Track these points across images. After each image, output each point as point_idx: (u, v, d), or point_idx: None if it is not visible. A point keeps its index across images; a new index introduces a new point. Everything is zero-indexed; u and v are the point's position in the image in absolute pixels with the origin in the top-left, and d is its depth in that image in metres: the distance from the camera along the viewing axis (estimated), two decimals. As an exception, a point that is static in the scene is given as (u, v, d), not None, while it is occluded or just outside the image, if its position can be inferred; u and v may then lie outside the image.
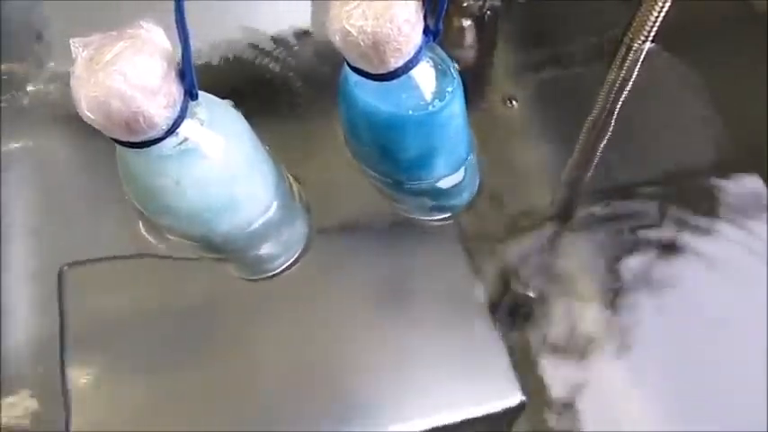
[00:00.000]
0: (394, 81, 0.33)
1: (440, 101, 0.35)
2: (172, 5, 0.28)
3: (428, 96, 0.35)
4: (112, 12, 0.49)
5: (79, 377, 0.39)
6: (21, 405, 0.39)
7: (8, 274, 0.42)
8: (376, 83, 0.33)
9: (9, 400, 0.39)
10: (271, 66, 0.50)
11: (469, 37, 0.51)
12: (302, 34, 0.51)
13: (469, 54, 0.50)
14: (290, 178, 0.44)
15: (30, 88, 0.49)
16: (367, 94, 0.35)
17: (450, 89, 0.35)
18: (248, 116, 0.37)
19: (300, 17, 0.52)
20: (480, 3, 0.50)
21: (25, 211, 0.44)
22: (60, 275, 0.42)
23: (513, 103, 0.48)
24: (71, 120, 0.47)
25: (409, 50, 0.32)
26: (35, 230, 0.44)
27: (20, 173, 0.46)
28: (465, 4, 0.50)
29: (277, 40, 0.51)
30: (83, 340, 0.41)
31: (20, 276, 0.42)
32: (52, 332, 0.40)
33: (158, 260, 0.43)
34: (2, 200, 0.45)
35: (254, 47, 0.51)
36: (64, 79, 0.49)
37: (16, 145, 0.47)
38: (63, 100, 0.48)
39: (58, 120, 0.48)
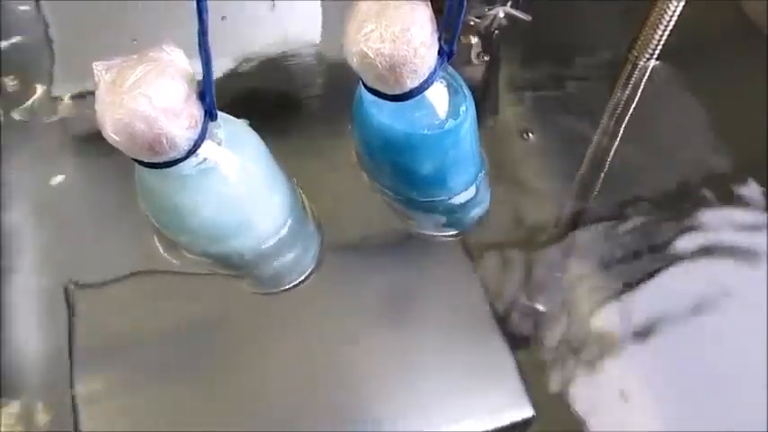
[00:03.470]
0: (409, 101, 0.33)
1: (454, 119, 0.35)
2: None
3: (442, 115, 0.35)
4: (117, 33, 0.50)
5: (88, 394, 0.39)
6: (28, 419, 0.39)
7: (17, 289, 0.42)
8: (391, 103, 0.33)
9: (15, 412, 0.39)
10: (283, 85, 0.50)
11: (476, 55, 0.51)
12: (314, 54, 0.52)
13: (477, 71, 0.51)
14: (303, 195, 0.44)
15: (42, 105, 0.50)
16: (382, 114, 0.35)
17: (463, 108, 0.36)
18: (262, 135, 0.38)
19: (312, 37, 0.53)
20: (488, 21, 0.50)
21: (34, 227, 0.44)
22: (68, 293, 0.42)
23: (521, 120, 0.49)
24: (82, 136, 0.47)
25: (425, 71, 0.32)
26: (44, 247, 0.44)
27: (30, 189, 0.46)
28: (472, 23, 0.50)
29: (290, 60, 0.52)
30: (92, 357, 0.40)
31: (28, 292, 0.42)
32: (61, 348, 0.40)
33: (168, 276, 0.43)
34: (12, 216, 0.45)
35: (268, 66, 0.51)
36: (76, 96, 0.49)
37: (26, 161, 0.47)
38: (75, 116, 0.49)
39: (68, 136, 0.48)
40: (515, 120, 0.49)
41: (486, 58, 0.47)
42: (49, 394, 0.39)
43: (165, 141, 0.29)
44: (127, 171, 0.35)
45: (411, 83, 0.32)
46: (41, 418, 0.38)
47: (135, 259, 0.43)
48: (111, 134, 0.29)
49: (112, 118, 0.29)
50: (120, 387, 0.40)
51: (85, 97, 0.49)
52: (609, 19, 0.52)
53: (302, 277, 0.42)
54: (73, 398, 0.39)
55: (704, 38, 0.51)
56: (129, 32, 0.49)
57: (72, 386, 0.39)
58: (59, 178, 0.46)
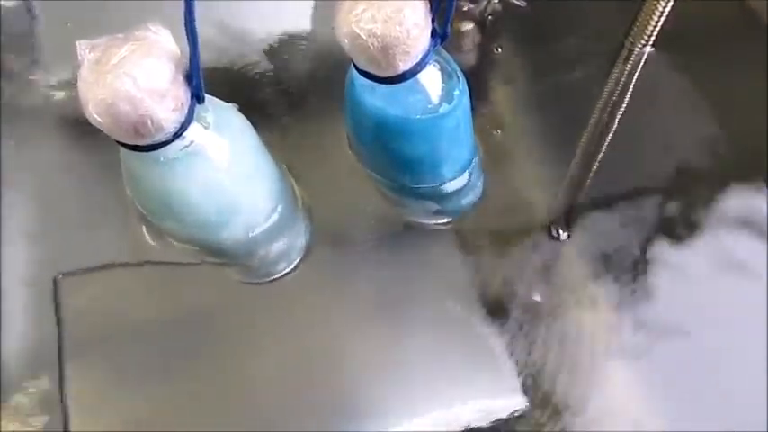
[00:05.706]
0: (402, 84, 0.33)
1: (447, 104, 0.35)
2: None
3: (436, 99, 0.35)
4: (112, 17, 0.49)
5: (77, 385, 0.39)
6: (19, 412, 0.38)
7: (6, 280, 0.42)
8: (383, 86, 0.33)
9: (7, 408, 0.38)
10: (274, 69, 0.50)
11: (470, 41, 0.51)
12: (305, 37, 0.51)
13: (470, 58, 0.50)
14: (293, 182, 0.43)
15: (29, 93, 0.49)
16: (374, 98, 0.35)
17: (457, 92, 0.35)
18: (251, 119, 0.37)
19: (303, 19, 0.52)
20: (481, 7, 0.50)
21: (23, 217, 0.44)
22: (55, 283, 0.41)
23: (516, 106, 0.49)
24: (70, 126, 0.47)
25: (417, 53, 0.32)
26: (33, 237, 0.43)
27: (18, 179, 0.45)
28: (465, 9, 0.50)
29: (280, 43, 0.51)
30: (81, 348, 0.40)
31: (18, 283, 0.42)
32: (51, 340, 0.40)
33: (157, 266, 0.42)
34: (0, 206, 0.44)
35: (257, 49, 0.50)
36: (64, 84, 0.49)
37: (14, 151, 0.46)
38: (62, 105, 0.48)
39: (56, 126, 0.48)
40: (509, 105, 0.49)
41: (499, 50, 0.47)
42: (40, 387, 0.39)
43: (149, 123, 0.29)
44: (117, 158, 0.34)
45: (404, 65, 0.31)
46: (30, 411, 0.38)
47: (124, 249, 0.43)
48: (93, 115, 0.28)
49: (95, 98, 0.28)
50: (107, 380, 0.40)
51: (74, 84, 0.49)
52: (606, 4, 0.52)
53: (292, 266, 0.42)
54: (62, 389, 0.38)
55: (703, 26, 0.51)
56: (119, 16, 0.49)
57: (61, 380, 0.39)
58: (52, 167, 0.46)
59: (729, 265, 0.42)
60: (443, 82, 0.35)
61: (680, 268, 0.42)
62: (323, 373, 0.40)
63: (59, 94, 0.49)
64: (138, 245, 0.42)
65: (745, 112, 0.48)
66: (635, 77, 0.49)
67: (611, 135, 0.47)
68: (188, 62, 0.30)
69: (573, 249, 0.43)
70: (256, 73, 0.50)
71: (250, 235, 0.39)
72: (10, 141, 0.47)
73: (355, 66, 0.33)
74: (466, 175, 0.41)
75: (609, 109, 0.48)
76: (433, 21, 0.32)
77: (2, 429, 0.38)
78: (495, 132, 0.47)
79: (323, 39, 0.51)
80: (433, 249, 0.43)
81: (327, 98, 0.45)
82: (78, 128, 0.46)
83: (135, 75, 0.28)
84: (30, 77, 0.50)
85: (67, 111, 0.47)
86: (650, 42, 0.48)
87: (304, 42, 0.51)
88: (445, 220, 0.44)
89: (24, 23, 0.52)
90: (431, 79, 0.34)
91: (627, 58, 0.49)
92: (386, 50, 0.30)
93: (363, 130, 0.38)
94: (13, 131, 0.47)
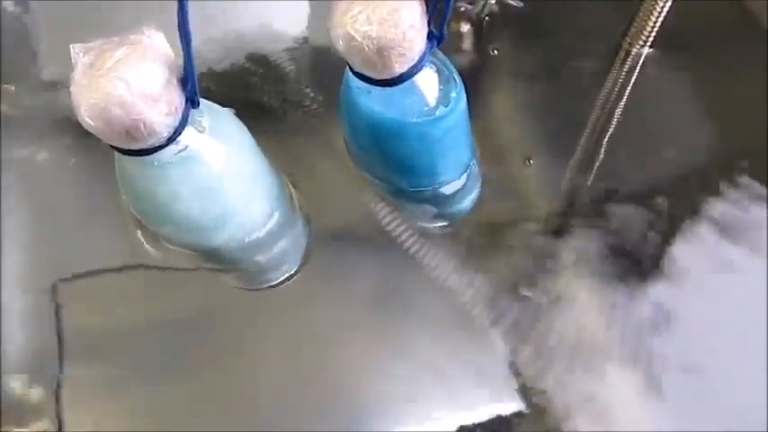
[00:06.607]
0: (398, 87, 0.32)
1: (444, 106, 0.35)
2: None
3: (432, 102, 0.35)
4: (107, 21, 0.49)
5: (75, 388, 0.39)
6: (18, 415, 0.38)
7: (5, 285, 0.42)
8: (379, 89, 0.33)
9: (7, 410, 0.38)
10: (269, 72, 0.50)
11: (467, 42, 0.51)
12: (301, 40, 0.51)
13: (467, 59, 0.50)
14: (291, 187, 0.43)
15: (24, 99, 0.49)
16: (370, 101, 0.35)
17: (453, 94, 0.35)
18: (248, 124, 0.37)
19: (298, 22, 0.52)
20: (479, 8, 0.50)
21: (21, 223, 0.44)
22: (54, 288, 0.41)
23: (513, 107, 0.48)
24: (66, 131, 0.47)
25: (414, 56, 0.31)
26: (30, 243, 0.43)
27: (16, 183, 0.45)
28: (462, 9, 0.50)
29: (275, 46, 0.51)
30: (79, 352, 0.40)
31: (17, 288, 0.42)
32: (49, 344, 0.40)
33: (155, 271, 0.42)
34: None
35: (253, 53, 0.50)
36: (60, 89, 0.49)
37: (11, 156, 0.46)
38: (60, 109, 0.48)
39: (52, 131, 0.47)
40: (507, 107, 0.49)
41: (497, 51, 0.47)
42: (35, 391, 0.39)
43: (142, 127, 0.29)
44: (114, 162, 0.34)
45: (399, 67, 0.31)
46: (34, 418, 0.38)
47: (121, 253, 0.43)
48: (86, 119, 0.28)
49: (87, 102, 0.28)
50: (105, 384, 0.40)
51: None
52: (603, 4, 0.52)
53: (290, 272, 0.42)
54: (60, 394, 0.38)
55: (701, 26, 0.51)
56: (117, 18, 0.49)
57: (59, 384, 0.39)
58: (49, 173, 0.46)
59: (729, 266, 0.42)
60: (440, 84, 0.35)
61: (679, 268, 0.42)
62: (321, 379, 0.40)
63: (57, 98, 0.49)
64: (134, 249, 0.42)
65: (745, 112, 0.48)
66: (633, 78, 0.49)
67: (609, 135, 0.47)
68: (182, 66, 0.30)
69: (572, 250, 0.43)
70: (252, 76, 0.50)
71: (247, 240, 0.38)
72: (8, 145, 0.47)
73: (351, 68, 0.33)
74: (464, 177, 0.41)
75: (607, 109, 0.48)
76: (429, 22, 0.32)
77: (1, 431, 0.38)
78: (493, 134, 0.47)
79: (318, 41, 0.51)
80: (431, 252, 0.43)
81: (324, 101, 0.45)
82: (76, 132, 0.46)
83: (128, 79, 0.28)
84: (28, 80, 0.49)
85: (65, 114, 0.47)
86: (648, 43, 0.48)
87: (299, 45, 0.51)
88: (444, 223, 0.44)
89: (24, 25, 0.52)
90: (427, 81, 0.34)
91: (625, 59, 0.49)
92: (381, 52, 0.30)
93: (360, 134, 0.38)
94: (11, 135, 0.47)
